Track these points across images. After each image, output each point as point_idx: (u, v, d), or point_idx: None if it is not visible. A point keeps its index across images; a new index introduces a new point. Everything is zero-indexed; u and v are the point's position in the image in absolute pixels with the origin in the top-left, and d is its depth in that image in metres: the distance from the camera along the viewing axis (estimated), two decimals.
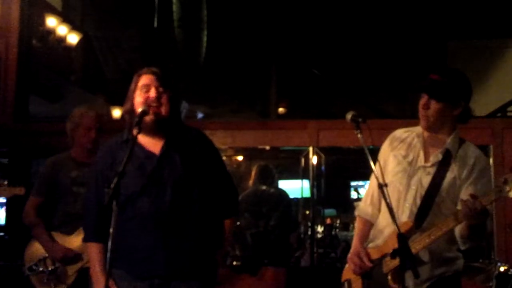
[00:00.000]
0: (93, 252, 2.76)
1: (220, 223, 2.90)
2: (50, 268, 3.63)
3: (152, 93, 2.70)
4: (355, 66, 9.94)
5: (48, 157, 3.91)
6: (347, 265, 2.93)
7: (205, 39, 10.63)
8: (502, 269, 3.74)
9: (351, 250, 2.89)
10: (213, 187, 2.82)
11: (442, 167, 2.75)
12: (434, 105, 2.77)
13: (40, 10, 7.48)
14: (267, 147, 5.89)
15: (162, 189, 2.69)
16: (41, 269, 3.64)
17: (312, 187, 5.60)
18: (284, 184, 7.85)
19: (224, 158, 10.48)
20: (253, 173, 6.07)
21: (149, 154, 2.72)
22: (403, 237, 2.39)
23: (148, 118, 2.67)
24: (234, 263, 5.42)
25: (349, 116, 2.76)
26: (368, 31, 10.46)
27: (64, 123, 3.90)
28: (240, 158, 10.20)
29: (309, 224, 5.54)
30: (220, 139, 5.17)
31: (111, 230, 2.37)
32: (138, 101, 2.70)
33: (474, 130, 4.91)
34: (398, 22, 10.34)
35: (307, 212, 6.02)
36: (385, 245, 2.76)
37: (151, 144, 2.75)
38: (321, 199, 6.07)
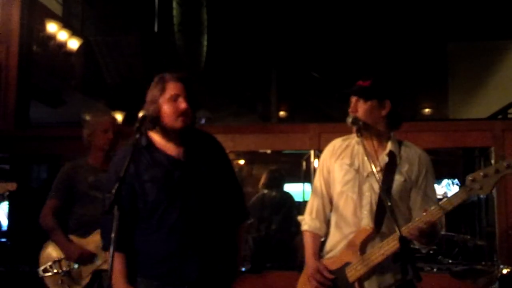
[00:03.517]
0: (115, 262, 2.75)
1: (236, 229, 2.92)
2: (65, 269, 3.67)
3: (183, 104, 2.70)
4: (355, 68, 9.94)
5: (49, 163, 3.94)
6: (299, 281, 2.90)
7: (205, 43, 10.64)
8: (504, 271, 3.74)
9: (309, 267, 2.83)
10: (228, 192, 2.85)
11: (389, 170, 2.75)
12: (361, 106, 2.79)
13: (40, 15, 7.50)
14: (268, 151, 5.89)
15: (189, 196, 2.69)
16: (55, 270, 3.68)
17: None
18: (286, 188, 7.85)
19: None
20: (263, 177, 6.07)
21: (173, 160, 2.72)
22: (405, 241, 2.38)
23: (179, 124, 2.68)
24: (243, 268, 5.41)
25: (350, 119, 2.77)
26: (367, 34, 10.47)
27: (65, 128, 3.93)
28: (241, 162, 10.20)
29: None
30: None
31: (112, 235, 2.37)
32: (167, 110, 2.69)
33: (474, 132, 4.91)
34: (397, 24, 10.35)
35: None
36: (344, 254, 2.75)
37: (172, 149, 2.74)
38: None
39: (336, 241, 2.83)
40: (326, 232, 2.91)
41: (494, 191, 4.81)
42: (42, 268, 3.72)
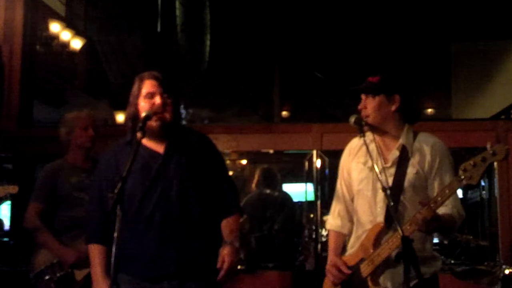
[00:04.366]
0: (95, 254, 2.76)
1: (222, 221, 2.93)
2: (58, 275, 3.60)
3: (158, 100, 2.74)
4: (358, 69, 9.93)
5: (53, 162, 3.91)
6: (326, 278, 2.94)
7: (208, 43, 10.64)
8: (507, 271, 3.73)
9: (328, 263, 2.92)
10: (214, 186, 2.87)
11: (401, 164, 2.77)
12: (370, 103, 2.81)
13: (43, 15, 7.51)
14: (271, 151, 5.88)
15: (168, 186, 2.72)
16: (47, 276, 3.60)
17: (316, 190, 5.58)
18: (288, 188, 7.83)
19: (228, 162, 10.50)
20: (256, 176, 6.06)
21: (153, 153, 2.77)
22: (407, 240, 2.39)
23: (154, 123, 2.72)
24: (239, 267, 5.41)
25: (352, 119, 2.78)
26: (371, 34, 10.45)
27: None
28: (244, 162, 10.20)
29: (314, 227, 5.53)
30: (223, 143, 5.17)
31: (115, 234, 2.37)
32: (144, 108, 2.74)
33: (477, 132, 4.91)
34: (401, 24, 10.33)
35: (312, 215, 6.01)
36: (360, 250, 2.78)
37: (155, 145, 2.80)
38: (326, 202, 6.06)
39: (355, 239, 2.89)
40: (351, 229, 2.96)
41: (497, 192, 4.81)
42: (34, 273, 3.64)
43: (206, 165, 2.86)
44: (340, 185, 3.00)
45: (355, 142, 2.97)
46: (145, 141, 2.77)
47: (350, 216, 2.97)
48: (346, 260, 2.85)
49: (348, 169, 2.95)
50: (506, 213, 4.73)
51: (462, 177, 2.43)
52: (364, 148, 2.84)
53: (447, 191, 2.50)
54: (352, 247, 2.90)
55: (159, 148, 2.79)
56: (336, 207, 3.01)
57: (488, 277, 3.76)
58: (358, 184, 2.87)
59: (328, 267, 2.89)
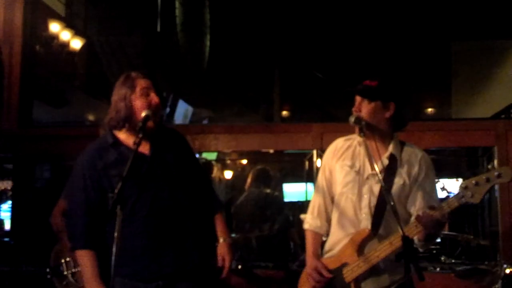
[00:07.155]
0: (85, 260, 2.73)
1: (211, 219, 2.96)
2: (71, 271, 3.64)
3: (155, 98, 2.74)
4: (358, 68, 9.93)
5: (52, 162, 3.92)
6: (301, 279, 2.91)
7: (208, 43, 10.64)
8: (508, 271, 3.73)
9: (308, 266, 2.87)
10: (197, 184, 2.90)
11: (389, 173, 2.77)
12: (365, 106, 2.80)
13: (43, 15, 7.51)
14: (271, 151, 5.88)
15: (159, 188, 2.73)
16: (64, 272, 3.66)
17: None
18: (289, 187, 7.84)
19: (228, 161, 10.51)
20: (250, 175, 6.06)
21: (140, 155, 2.72)
22: (408, 240, 2.39)
23: (150, 123, 2.70)
24: (239, 267, 5.40)
25: (352, 118, 2.79)
26: (371, 33, 10.45)
27: (68, 128, 3.91)
28: (244, 161, 10.20)
29: None
30: (223, 142, 5.17)
31: (115, 234, 2.37)
32: (140, 105, 2.72)
33: (478, 131, 4.90)
34: (401, 23, 10.32)
35: None
36: (342, 254, 2.76)
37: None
38: None
39: (337, 239, 2.84)
40: (327, 230, 2.92)
41: (497, 191, 4.80)
42: (52, 267, 3.69)
43: (187, 163, 2.89)
44: (322, 184, 2.96)
45: (341, 143, 2.95)
46: (128, 141, 2.75)
47: (327, 216, 2.94)
48: (326, 264, 2.81)
49: (331, 168, 2.93)
50: (507, 213, 4.72)
51: (463, 194, 2.44)
52: (350, 150, 2.86)
53: (446, 207, 2.50)
54: (331, 249, 2.86)
55: (143, 149, 2.76)
56: (315, 205, 2.97)
57: (488, 277, 3.76)
58: (342, 187, 2.84)
59: (309, 271, 2.83)
